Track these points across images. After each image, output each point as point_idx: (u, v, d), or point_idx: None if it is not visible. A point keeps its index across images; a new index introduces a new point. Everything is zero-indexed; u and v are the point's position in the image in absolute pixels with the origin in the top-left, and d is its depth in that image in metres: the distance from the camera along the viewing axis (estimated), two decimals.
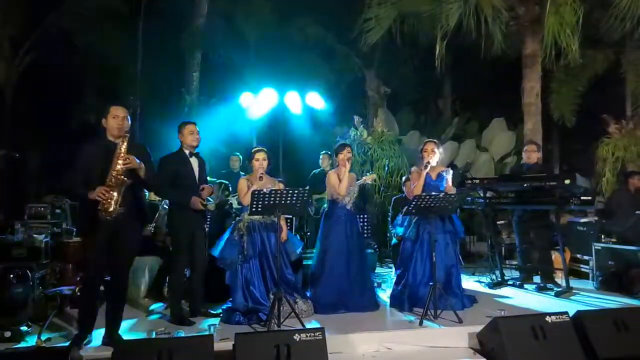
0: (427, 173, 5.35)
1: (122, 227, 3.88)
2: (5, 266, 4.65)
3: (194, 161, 4.86)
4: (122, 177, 3.81)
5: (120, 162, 3.82)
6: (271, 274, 4.74)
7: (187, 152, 4.85)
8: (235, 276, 4.84)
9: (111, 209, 3.76)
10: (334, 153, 5.46)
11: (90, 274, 4.03)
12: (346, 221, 5.23)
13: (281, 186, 4.99)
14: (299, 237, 5.57)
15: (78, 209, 4.24)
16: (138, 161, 3.89)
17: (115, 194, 3.78)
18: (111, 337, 3.98)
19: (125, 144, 3.89)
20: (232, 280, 4.87)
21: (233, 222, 5.15)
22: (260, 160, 4.97)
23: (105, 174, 3.80)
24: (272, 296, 4.53)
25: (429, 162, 5.31)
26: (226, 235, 4.90)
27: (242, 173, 7.84)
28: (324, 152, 8.10)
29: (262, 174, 4.91)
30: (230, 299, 4.92)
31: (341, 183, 5.21)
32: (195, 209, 4.73)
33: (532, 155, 6.58)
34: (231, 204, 6.43)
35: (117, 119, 4.00)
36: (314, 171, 8.02)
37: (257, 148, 5.11)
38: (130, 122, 4.11)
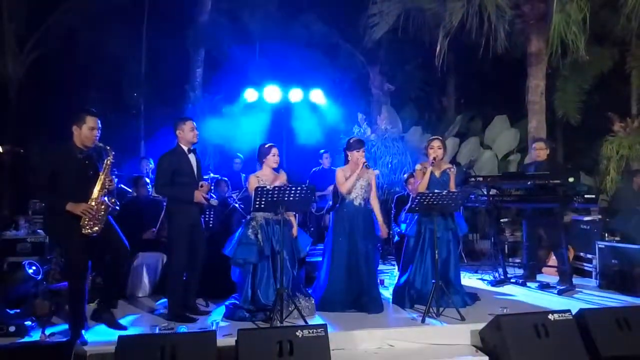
0: (432, 171, 5.33)
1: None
2: (11, 261, 4.70)
3: (192, 157, 4.82)
4: (110, 200, 4.06)
5: (107, 184, 4.05)
6: (280, 272, 4.71)
7: (185, 148, 4.81)
8: (245, 275, 4.82)
9: (96, 228, 3.99)
10: (347, 147, 5.23)
11: (75, 275, 4.05)
12: (353, 218, 5.10)
13: (284, 177, 5.02)
14: (307, 235, 5.46)
15: (45, 211, 4.24)
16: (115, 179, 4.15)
17: (102, 214, 4.01)
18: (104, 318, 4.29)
19: (109, 164, 4.10)
20: (242, 278, 4.86)
21: (243, 219, 5.11)
22: (276, 156, 4.99)
23: (77, 184, 3.98)
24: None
25: (435, 159, 5.29)
26: (238, 233, 4.88)
27: (243, 174, 7.86)
28: (323, 150, 8.11)
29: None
30: (234, 294, 4.95)
31: (346, 182, 5.09)
32: (197, 202, 4.73)
33: (541, 152, 6.51)
34: (234, 199, 6.44)
35: (93, 131, 4.09)
36: (313, 169, 8.03)
37: (271, 143, 5.08)
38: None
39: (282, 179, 5.01)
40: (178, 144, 4.82)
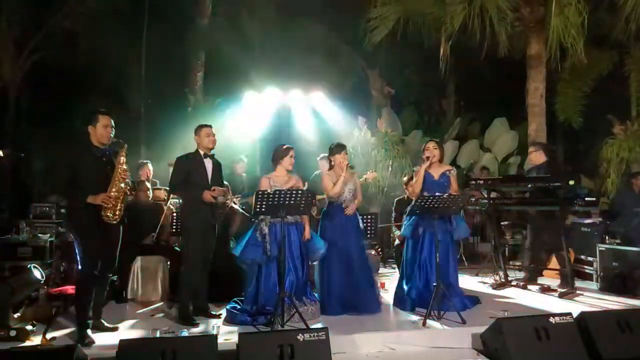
0: (429, 172, 5.34)
1: (110, 225, 4.27)
2: (12, 265, 4.72)
3: (207, 162, 4.92)
4: (126, 187, 4.30)
5: (121, 174, 4.27)
6: (282, 274, 4.68)
7: (202, 153, 4.93)
8: (252, 275, 4.86)
9: (117, 216, 4.23)
10: (329, 153, 5.32)
11: (88, 272, 4.20)
12: (344, 221, 5.16)
13: (299, 180, 5.06)
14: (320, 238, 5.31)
15: (68, 208, 4.39)
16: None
17: (119, 202, 4.24)
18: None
19: (124, 156, 4.33)
20: (248, 278, 4.89)
21: (254, 220, 5.11)
22: (293, 158, 5.02)
23: (96, 180, 4.20)
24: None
25: (428, 157, 5.32)
26: (248, 235, 4.90)
27: (245, 174, 7.86)
28: (322, 155, 8.10)
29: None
30: (236, 298, 4.96)
31: (334, 187, 5.12)
32: (209, 203, 4.80)
33: (532, 156, 6.57)
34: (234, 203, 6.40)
35: (107, 129, 4.32)
36: (315, 173, 8.03)
37: (288, 145, 5.10)
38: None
39: (296, 181, 5.00)
40: (197, 148, 4.97)
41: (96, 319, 4.41)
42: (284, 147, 5.06)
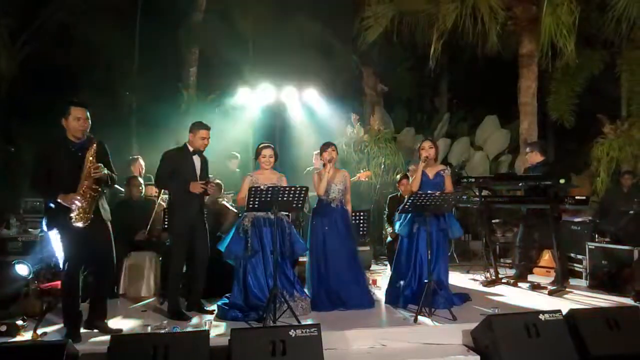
0: (425, 171, 5.37)
1: (91, 222, 4.04)
2: (1, 260, 4.69)
3: (196, 159, 4.86)
4: (95, 187, 4.00)
5: (91, 173, 3.97)
6: (273, 270, 4.71)
7: (190, 149, 4.85)
8: (238, 271, 4.86)
9: (84, 218, 3.96)
10: (319, 152, 5.41)
11: (70, 270, 4.07)
12: (332, 219, 5.20)
13: (283, 179, 5.02)
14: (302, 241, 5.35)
15: (44, 206, 4.27)
16: (105, 171, 4.07)
17: (86, 204, 3.96)
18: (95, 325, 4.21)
19: (94, 152, 4.02)
20: (235, 275, 4.89)
21: (239, 217, 5.12)
22: (267, 157, 4.98)
23: (70, 176, 3.95)
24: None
25: (427, 157, 5.34)
26: (233, 230, 4.91)
27: (238, 170, 7.86)
28: (316, 151, 8.11)
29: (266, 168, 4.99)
30: (227, 294, 4.95)
31: (320, 183, 5.19)
32: (197, 198, 4.77)
33: (527, 156, 6.61)
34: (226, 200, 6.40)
35: (80, 121, 4.06)
36: (307, 169, 8.04)
37: (265, 144, 5.10)
38: (90, 122, 4.15)
39: (277, 180, 4.98)
40: (186, 143, 4.89)
41: (100, 320, 4.27)
42: (260, 145, 5.10)
